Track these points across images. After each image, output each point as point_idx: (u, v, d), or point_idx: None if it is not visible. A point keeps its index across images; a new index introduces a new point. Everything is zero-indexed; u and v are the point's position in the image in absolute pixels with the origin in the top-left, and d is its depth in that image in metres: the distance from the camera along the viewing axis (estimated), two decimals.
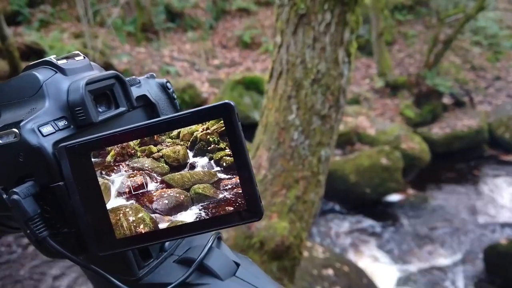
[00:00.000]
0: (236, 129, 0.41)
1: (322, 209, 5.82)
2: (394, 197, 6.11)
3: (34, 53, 6.16)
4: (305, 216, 2.30)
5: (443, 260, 5.02)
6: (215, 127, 0.41)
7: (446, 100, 8.33)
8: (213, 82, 7.91)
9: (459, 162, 7.23)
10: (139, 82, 0.58)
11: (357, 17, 2.18)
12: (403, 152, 6.39)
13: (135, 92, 0.56)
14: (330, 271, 3.69)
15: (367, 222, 5.72)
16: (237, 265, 0.50)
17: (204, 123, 0.41)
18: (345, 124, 6.87)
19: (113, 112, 0.51)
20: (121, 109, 0.52)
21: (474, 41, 9.92)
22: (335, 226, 5.67)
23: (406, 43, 9.83)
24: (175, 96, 0.63)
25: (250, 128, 2.75)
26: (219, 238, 0.52)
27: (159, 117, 0.58)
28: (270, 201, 2.26)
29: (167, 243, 0.53)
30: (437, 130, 7.59)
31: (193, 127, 0.42)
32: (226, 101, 0.41)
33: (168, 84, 0.62)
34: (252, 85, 7.12)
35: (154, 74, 0.63)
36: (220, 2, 10.16)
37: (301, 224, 2.29)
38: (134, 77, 0.58)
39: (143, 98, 0.57)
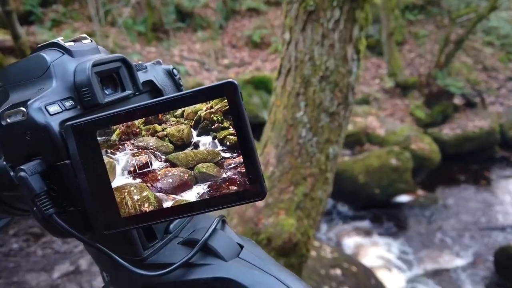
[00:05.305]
0: (240, 108, 0.41)
1: (330, 209, 5.81)
2: (403, 198, 6.06)
3: None
4: (312, 213, 2.30)
5: (452, 262, 4.97)
6: (219, 106, 0.41)
7: (457, 100, 8.25)
8: None
9: (469, 163, 7.16)
10: (146, 68, 0.59)
11: (366, 14, 2.17)
12: (413, 153, 6.34)
13: (142, 77, 0.56)
14: (338, 271, 3.67)
15: (376, 223, 5.69)
16: (241, 247, 0.50)
17: (208, 102, 0.42)
18: (354, 124, 6.85)
19: (119, 95, 0.51)
20: (127, 92, 0.52)
21: (486, 41, 9.82)
22: (343, 226, 5.65)
23: (417, 43, 9.75)
24: (182, 83, 0.64)
25: (259, 127, 2.75)
26: (223, 221, 0.52)
27: None
28: (277, 198, 2.26)
29: (172, 226, 0.53)
30: (447, 131, 7.52)
31: (197, 106, 0.42)
32: (230, 79, 0.41)
33: (175, 71, 0.63)
34: (261, 85, 7.14)
35: (161, 61, 0.63)
36: (230, 2, 10.18)
37: (309, 221, 2.29)
38: (141, 62, 0.59)
39: (149, 83, 0.58)
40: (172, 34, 9.06)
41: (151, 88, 0.58)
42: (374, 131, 7.04)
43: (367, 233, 5.51)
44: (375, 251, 5.13)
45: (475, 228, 5.54)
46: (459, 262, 4.96)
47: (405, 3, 10.16)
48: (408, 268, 4.85)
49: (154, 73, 0.59)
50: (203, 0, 9.73)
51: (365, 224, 5.69)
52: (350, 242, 5.31)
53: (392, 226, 5.64)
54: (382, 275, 4.36)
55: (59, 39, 0.50)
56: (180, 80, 0.64)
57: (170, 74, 0.62)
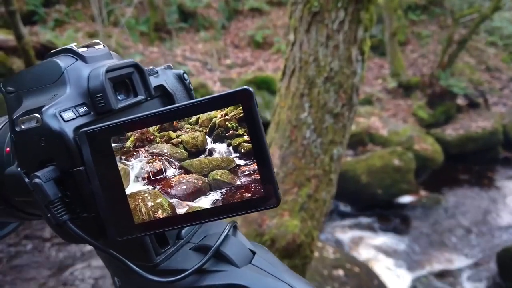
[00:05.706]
0: (255, 115, 0.41)
1: (332, 209, 5.80)
2: (406, 199, 6.05)
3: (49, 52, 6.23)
4: (316, 214, 2.30)
5: (455, 262, 4.96)
6: (233, 113, 0.41)
7: (460, 101, 8.23)
8: (225, 81, 7.93)
9: (472, 163, 7.15)
10: (157, 72, 0.59)
11: (370, 15, 2.17)
12: (415, 153, 6.33)
13: (153, 81, 0.56)
14: (340, 272, 3.67)
15: (378, 223, 5.68)
16: (253, 253, 0.50)
17: (223, 109, 0.41)
18: (357, 125, 6.84)
19: (132, 100, 0.51)
20: (140, 97, 0.53)
21: (489, 41, 9.79)
22: (346, 227, 5.64)
23: (420, 43, 9.74)
24: (192, 87, 0.64)
25: None
26: (235, 227, 0.52)
27: None
28: (281, 199, 2.25)
29: (183, 231, 0.53)
30: (450, 131, 7.50)
31: (212, 113, 0.42)
32: (245, 87, 0.41)
33: (185, 75, 0.62)
34: (264, 85, 7.13)
35: (171, 65, 0.63)
36: (233, 2, 10.18)
37: (313, 222, 2.29)
38: (152, 67, 0.59)
39: (161, 88, 0.58)
40: (174, 34, 9.07)
41: (162, 92, 0.58)
42: (377, 132, 7.03)
43: (369, 233, 5.51)
44: (378, 252, 5.12)
45: (478, 229, 5.53)
46: (462, 262, 4.95)
47: (407, 3, 10.14)
48: (411, 268, 4.84)
49: (165, 78, 0.59)
50: (206, 0, 9.73)
51: (368, 224, 5.68)
52: (352, 243, 5.30)
53: (395, 226, 5.63)
54: (384, 275, 4.36)
55: (73, 45, 0.50)
56: (190, 85, 0.64)
57: (180, 78, 0.62)
